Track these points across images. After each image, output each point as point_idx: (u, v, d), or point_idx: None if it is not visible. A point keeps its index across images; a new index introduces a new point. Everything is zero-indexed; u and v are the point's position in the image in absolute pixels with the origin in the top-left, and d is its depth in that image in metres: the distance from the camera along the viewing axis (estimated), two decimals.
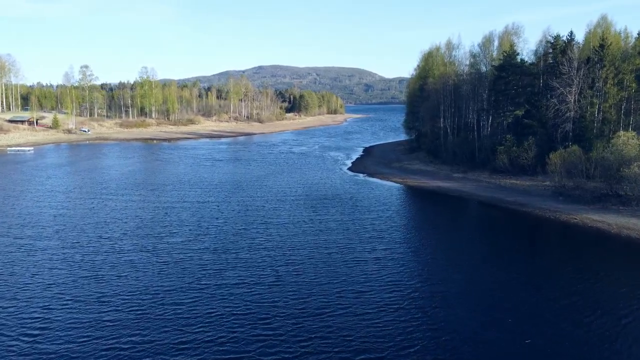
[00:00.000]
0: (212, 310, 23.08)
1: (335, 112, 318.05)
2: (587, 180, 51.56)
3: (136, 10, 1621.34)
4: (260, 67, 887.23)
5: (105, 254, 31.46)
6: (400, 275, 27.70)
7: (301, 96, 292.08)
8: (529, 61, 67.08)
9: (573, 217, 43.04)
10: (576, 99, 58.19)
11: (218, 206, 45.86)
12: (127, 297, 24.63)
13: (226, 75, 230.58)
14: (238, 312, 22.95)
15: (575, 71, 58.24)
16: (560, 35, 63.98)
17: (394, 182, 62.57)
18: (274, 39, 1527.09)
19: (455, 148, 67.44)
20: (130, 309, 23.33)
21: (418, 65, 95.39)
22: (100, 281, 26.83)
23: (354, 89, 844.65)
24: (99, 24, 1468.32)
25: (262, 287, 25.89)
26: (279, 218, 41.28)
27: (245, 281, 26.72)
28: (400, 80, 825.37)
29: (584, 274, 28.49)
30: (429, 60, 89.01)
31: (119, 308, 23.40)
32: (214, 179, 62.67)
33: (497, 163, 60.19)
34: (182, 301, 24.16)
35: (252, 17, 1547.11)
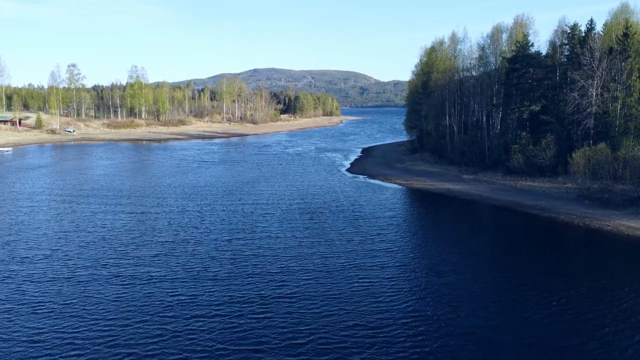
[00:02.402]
0: (178, 358, 17.29)
1: (330, 114, 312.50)
2: (614, 182, 46.30)
3: (130, 13, 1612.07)
4: (255, 70, 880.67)
5: (54, 275, 25.49)
6: (421, 304, 21.96)
7: (296, 97, 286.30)
8: (544, 53, 61.79)
9: (606, 224, 37.67)
10: (598, 92, 52.93)
11: (200, 213, 40.00)
12: (70, 336, 18.74)
13: (221, 77, 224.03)
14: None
15: (597, 62, 53.01)
16: (578, 25, 58.87)
17: (398, 184, 57.06)
18: (269, 42, 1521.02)
19: (464, 147, 61.92)
20: (71, 354, 17.48)
21: (420, 61, 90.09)
22: (38, 312, 20.92)
23: (349, 92, 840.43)
24: (93, 27, 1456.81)
25: (246, 323, 20.03)
26: (269, 227, 35.48)
27: (224, 313, 20.85)
28: (396, 83, 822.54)
29: (633, 294, 22.95)
30: (432, 55, 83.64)
31: (56, 354, 17.54)
32: (198, 182, 56.83)
33: (512, 163, 54.73)
34: (141, 342, 18.31)
35: (248, 20, 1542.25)
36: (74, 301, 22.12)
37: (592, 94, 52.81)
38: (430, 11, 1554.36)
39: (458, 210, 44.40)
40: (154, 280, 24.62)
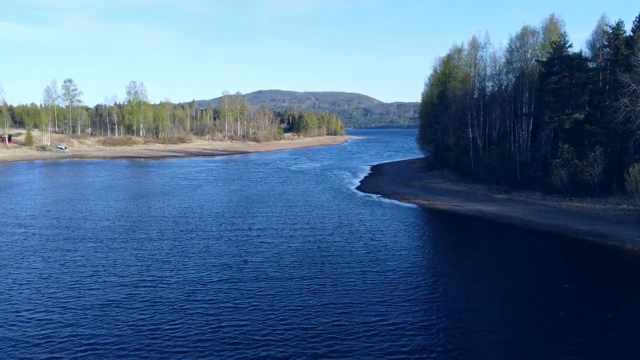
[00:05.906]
0: None
1: (335, 133, 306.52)
2: None
3: (136, 37, 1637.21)
4: (259, 92, 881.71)
5: None
6: None
7: (300, 116, 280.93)
8: (583, 54, 54.39)
9: None
10: None
11: (179, 243, 32.00)
12: None
13: (224, 97, 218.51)
14: None
15: None
16: (622, 23, 51.62)
17: (418, 204, 49.18)
18: (273, 64, 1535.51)
19: (494, 163, 54.03)
20: None
21: (435, 71, 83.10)
22: None
23: (353, 113, 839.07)
24: (99, 50, 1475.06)
25: None
26: (266, 263, 27.42)
27: None
28: (399, 105, 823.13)
29: None
30: (449, 64, 76.65)
31: None
32: (187, 203, 48.98)
33: (554, 180, 46.73)
34: None
35: (251, 43, 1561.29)
36: None
37: None
38: (434, 33, 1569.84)
39: (498, 237, 36.32)
40: (102, 345, 16.59)
